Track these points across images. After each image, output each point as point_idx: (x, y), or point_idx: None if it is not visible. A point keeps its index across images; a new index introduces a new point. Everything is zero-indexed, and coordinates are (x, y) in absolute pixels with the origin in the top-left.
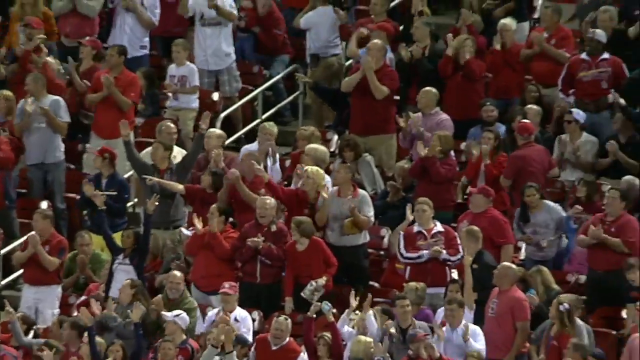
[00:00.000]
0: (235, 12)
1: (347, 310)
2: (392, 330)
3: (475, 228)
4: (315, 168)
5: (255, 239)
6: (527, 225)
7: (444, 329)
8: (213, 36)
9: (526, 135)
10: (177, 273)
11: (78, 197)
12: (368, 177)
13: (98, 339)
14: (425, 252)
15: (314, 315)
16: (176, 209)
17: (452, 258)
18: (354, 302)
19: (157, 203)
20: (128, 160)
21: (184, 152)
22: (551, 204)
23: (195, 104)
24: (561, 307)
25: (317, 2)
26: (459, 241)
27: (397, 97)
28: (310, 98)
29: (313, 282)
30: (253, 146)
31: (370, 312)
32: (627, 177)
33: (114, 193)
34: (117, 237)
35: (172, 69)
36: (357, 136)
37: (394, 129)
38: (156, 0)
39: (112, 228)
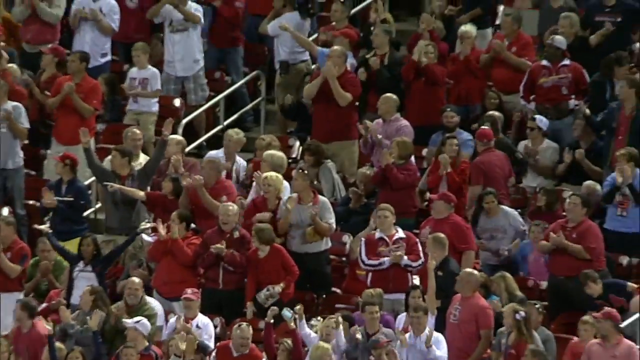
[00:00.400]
0: (200, 15)
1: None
2: (359, 335)
3: (441, 235)
4: (274, 174)
5: (218, 245)
6: (483, 230)
7: (407, 335)
8: (181, 42)
9: (485, 141)
10: (136, 279)
11: (38, 204)
12: (329, 184)
13: (58, 344)
14: (386, 259)
15: (272, 321)
16: (137, 216)
17: (414, 264)
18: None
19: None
20: (88, 167)
21: (148, 157)
22: (508, 209)
23: (156, 108)
24: (517, 316)
25: (284, 8)
26: (420, 247)
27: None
28: (276, 104)
29: (270, 288)
30: (218, 153)
31: (341, 327)
32: (588, 183)
33: (71, 199)
34: (75, 243)
35: (133, 72)
36: (319, 142)
37: (356, 135)
38: (114, 6)
39: (72, 234)
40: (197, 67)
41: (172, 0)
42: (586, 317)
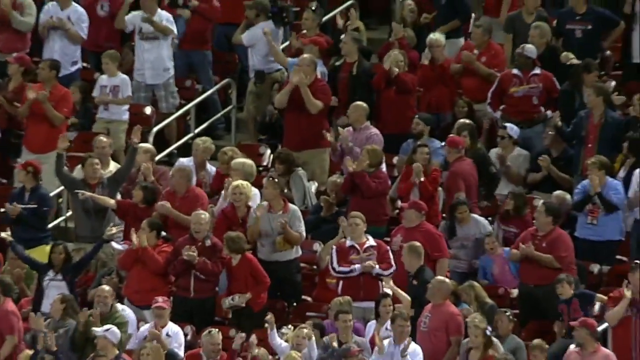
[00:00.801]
0: (173, 27)
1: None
2: (335, 344)
3: (417, 244)
4: (245, 183)
5: (191, 252)
6: (455, 239)
7: (386, 342)
8: (151, 50)
9: (456, 150)
10: (105, 287)
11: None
12: (299, 192)
13: (27, 351)
14: (357, 266)
15: (238, 348)
16: (108, 224)
17: (385, 272)
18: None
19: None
20: (56, 175)
21: (119, 165)
22: (478, 218)
23: (126, 115)
24: (488, 332)
25: (258, 17)
26: (391, 255)
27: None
28: (247, 112)
29: (236, 297)
30: (188, 161)
31: (313, 339)
32: (557, 192)
33: (35, 206)
34: (40, 251)
35: (103, 80)
36: (290, 151)
37: (327, 144)
38: (83, 14)
39: (35, 241)
40: (168, 75)
41: (145, 17)
42: (536, 342)
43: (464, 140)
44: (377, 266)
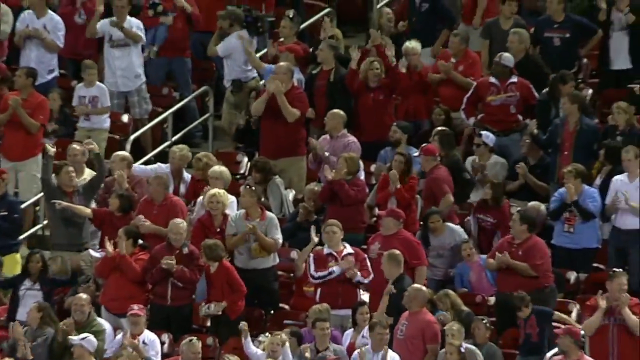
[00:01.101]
0: (142, 34)
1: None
2: (308, 354)
3: (397, 252)
4: (222, 191)
5: (169, 260)
6: (430, 248)
7: (365, 349)
8: (122, 57)
9: (432, 157)
10: (83, 295)
11: None
12: (277, 200)
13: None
14: (335, 267)
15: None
16: (85, 232)
17: (365, 280)
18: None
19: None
20: (41, 181)
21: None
22: (453, 226)
23: (107, 124)
24: (462, 349)
25: (231, 27)
26: (369, 263)
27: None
28: (224, 121)
29: (212, 306)
30: (164, 168)
31: (287, 345)
32: (532, 203)
33: (5, 213)
34: (10, 259)
35: (81, 89)
36: (267, 159)
37: (304, 152)
38: (59, 22)
39: (5, 249)
40: (140, 82)
41: (113, 22)
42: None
43: (436, 148)
44: (358, 273)
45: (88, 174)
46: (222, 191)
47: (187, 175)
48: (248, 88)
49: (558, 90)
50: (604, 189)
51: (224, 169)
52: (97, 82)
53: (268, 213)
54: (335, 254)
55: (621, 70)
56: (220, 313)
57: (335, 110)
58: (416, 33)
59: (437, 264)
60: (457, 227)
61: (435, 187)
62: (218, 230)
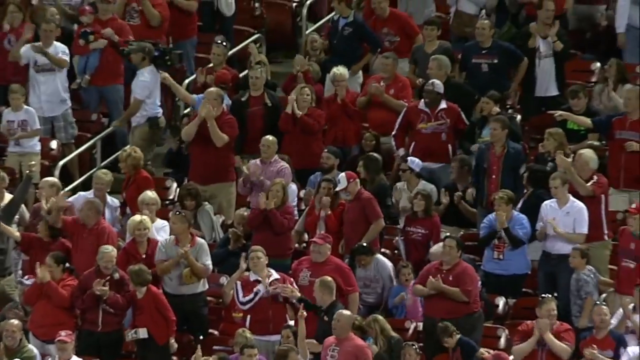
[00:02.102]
0: (67, 59)
1: None
2: None
3: (329, 279)
4: (146, 218)
5: (103, 287)
6: (358, 279)
7: None
8: (47, 82)
9: (355, 182)
10: (14, 321)
11: None
12: (207, 226)
13: None
14: (260, 286)
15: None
16: (8, 258)
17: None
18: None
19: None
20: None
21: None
22: (380, 258)
23: (38, 147)
24: None
25: (144, 61)
26: (296, 287)
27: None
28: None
29: (139, 330)
30: (88, 194)
31: None
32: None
33: None
34: None
35: (9, 114)
36: (197, 184)
37: (234, 177)
38: None
39: None
40: (65, 107)
41: (35, 47)
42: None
43: (356, 174)
44: (297, 289)
45: (8, 198)
46: (146, 218)
47: (112, 201)
48: (159, 123)
49: (486, 116)
50: (525, 211)
51: (156, 196)
52: (25, 106)
53: (198, 239)
54: (260, 279)
55: (547, 97)
56: (146, 337)
57: (269, 137)
58: (337, 54)
59: (366, 290)
60: (383, 260)
61: (370, 207)
62: (144, 256)
